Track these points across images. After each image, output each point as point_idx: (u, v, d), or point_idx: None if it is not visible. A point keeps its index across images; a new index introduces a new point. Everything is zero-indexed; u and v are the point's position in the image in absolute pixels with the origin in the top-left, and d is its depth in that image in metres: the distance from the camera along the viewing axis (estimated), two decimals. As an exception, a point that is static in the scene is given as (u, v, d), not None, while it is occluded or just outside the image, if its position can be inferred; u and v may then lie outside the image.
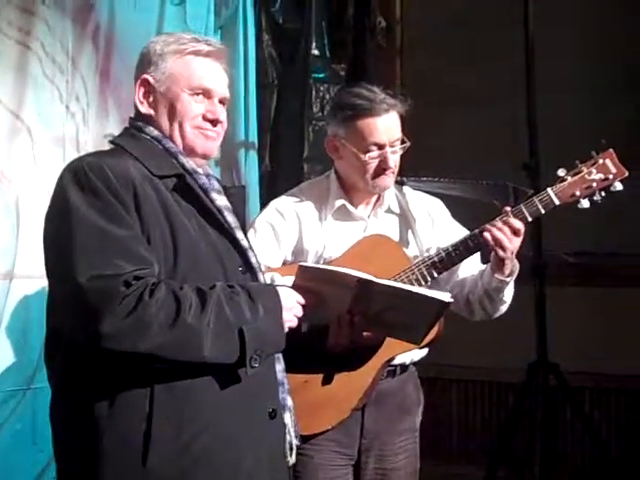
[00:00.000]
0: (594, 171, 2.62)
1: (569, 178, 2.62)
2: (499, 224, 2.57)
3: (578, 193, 2.62)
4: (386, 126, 2.64)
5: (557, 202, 2.61)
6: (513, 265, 2.62)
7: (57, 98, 3.25)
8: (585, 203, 2.64)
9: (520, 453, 3.60)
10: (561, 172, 2.63)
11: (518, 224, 2.57)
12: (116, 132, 2.21)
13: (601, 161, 2.63)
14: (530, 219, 2.61)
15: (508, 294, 2.71)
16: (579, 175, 2.62)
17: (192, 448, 1.87)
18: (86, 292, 1.80)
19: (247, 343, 1.87)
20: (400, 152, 2.70)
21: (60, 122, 3.27)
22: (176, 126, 2.07)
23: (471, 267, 2.76)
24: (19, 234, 3.10)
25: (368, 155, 2.65)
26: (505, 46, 3.99)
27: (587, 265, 4.16)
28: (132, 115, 2.14)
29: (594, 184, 2.62)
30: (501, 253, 2.56)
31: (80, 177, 1.91)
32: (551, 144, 3.59)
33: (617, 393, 4.16)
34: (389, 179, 2.70)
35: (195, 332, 1.83)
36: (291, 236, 2.74)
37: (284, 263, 2.74)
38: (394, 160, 2.67)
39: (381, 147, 2.64)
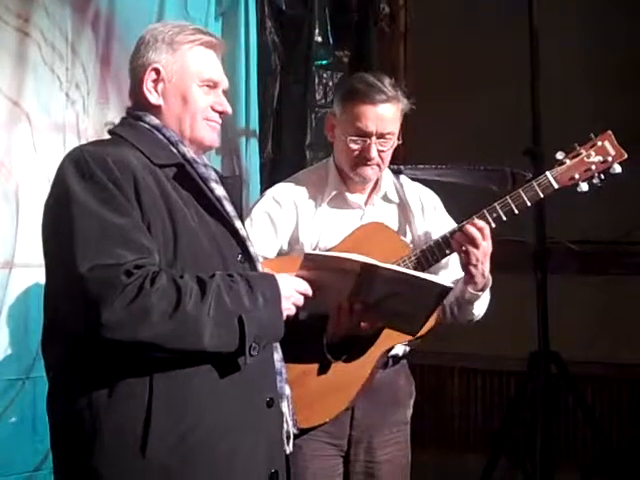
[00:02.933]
0: (593, 153, 2.58)
1: (568, 161, 2.59)
2: (457, 234, 2.50)
3: (577, 176, 2.58)
4: (378, 115, 2.59)
5: (556, 185, 2.57)
6: (485, 280, 2.55)
7: (57, 85, 3.23)
8: (584, 186, 2.60)
9: (521, 442, 3.59)
10: (560, 155, 2.60)
11: (472, 230, 2.48)
12: (116, 119, 2.20)
13: (599, 143, 2.59)
14: (529, 204, 2.57)
15: (479, 307, 2.67)
16: (578, 158, 2.59)
17: (190, 436, 1.87)
18: (87, 282, 1.79)
19: (246, 332, 1.87)
20: (388, 148, 2.63)
21: (60, 109, 3.25)
22: (187, 118, 2.07)
23: (457, 269, 2.68)
24: (19, 223, 3.09)
25: (349, 138, 2.61)
26: (508, 31, 3.96)
27: (590, 253, 4.13)
28: (129, 104, 2.13)
29: (593, 167, 2.59)
30: (469, 268, 2.50)
31: (81, 166, 1.90)
32: (555, 129, 3.56)
33: (619, 382, 4.14)
34: (371, 170, 2.65)
35: (195, 321, 1.83)
36: (288, 225, 2.71)
37: (280, 252, 2.72)
38: (378, 152, 2.61)
39: (367, 135, 2.59)
